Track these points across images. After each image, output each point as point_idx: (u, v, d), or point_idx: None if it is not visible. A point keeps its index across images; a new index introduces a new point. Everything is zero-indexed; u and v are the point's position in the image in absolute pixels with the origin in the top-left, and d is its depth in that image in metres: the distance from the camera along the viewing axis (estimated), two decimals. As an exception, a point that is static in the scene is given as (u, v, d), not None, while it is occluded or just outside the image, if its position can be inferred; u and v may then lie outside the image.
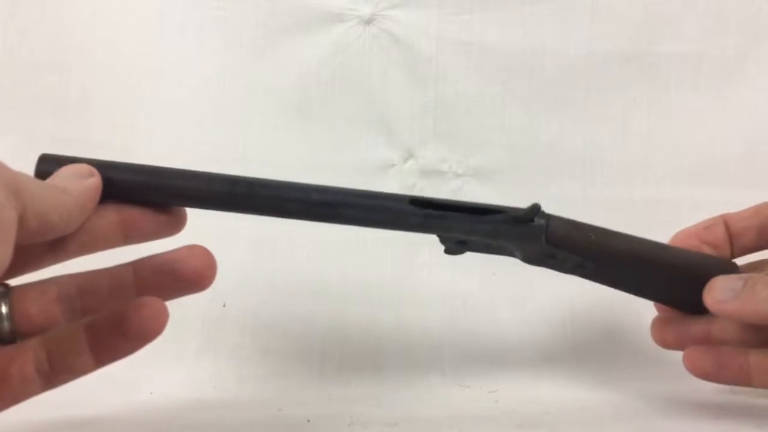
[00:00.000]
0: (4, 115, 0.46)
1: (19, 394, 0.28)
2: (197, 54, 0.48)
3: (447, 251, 0.35)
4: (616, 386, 0.43)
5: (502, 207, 0.33)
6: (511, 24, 0.48)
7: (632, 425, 0.36)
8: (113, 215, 0.29)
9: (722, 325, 0.37)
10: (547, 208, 0.52)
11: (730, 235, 0.38)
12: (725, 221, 0.38)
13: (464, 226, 0.32)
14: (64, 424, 0.34)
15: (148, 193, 0.29)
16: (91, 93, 0.47)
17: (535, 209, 0.33)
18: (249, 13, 0.48)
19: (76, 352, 0.28)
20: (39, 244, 0.28)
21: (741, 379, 0.36)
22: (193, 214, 0.31)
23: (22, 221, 0.23)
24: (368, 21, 0.48)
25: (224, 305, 0.45)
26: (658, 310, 0.40)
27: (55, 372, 0.28)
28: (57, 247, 0.28)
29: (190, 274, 0.29)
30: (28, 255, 0.28)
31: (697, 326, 0.38)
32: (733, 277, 0.35)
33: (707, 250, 0.37)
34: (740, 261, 0.38)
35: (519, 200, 0.49)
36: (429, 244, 0.46)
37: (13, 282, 0.28)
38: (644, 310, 0.40)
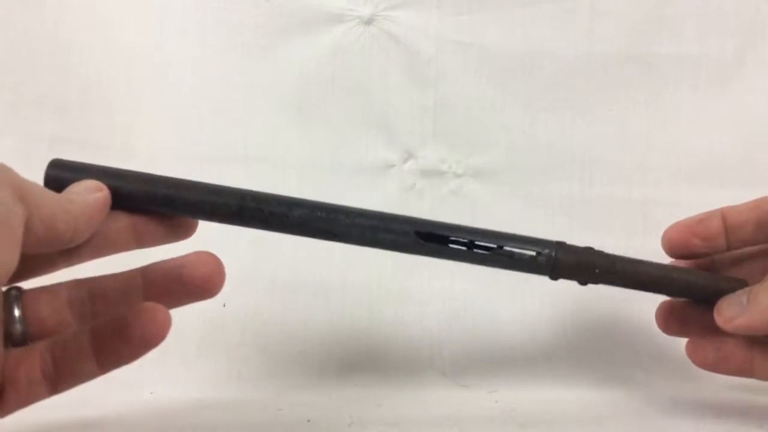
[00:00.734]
0: (4, 115, 0.46)
1: (26, 398, 0.28)
2: (197, 54, 0.48)
3: None
4: (616, 385, 0.43)
5: (510, 242, 0.33)
6: (511, 24, 0.48)
7: (632, 425, 0.36)
8: (125, 219, 0.29)
9: None
10: (547, 208, 0.52)
11: (727, 228, 0.37)
12: (723, 214, 0.38)
13: (467, 258, 0.33)
14: (64, 425, 0.34)
15: (155, 204, 0.30)
16: (91, 93, 0.47)
17: (547, 250, 0.33)
18: (249, 13, 0.48)
19: (81, 357, 0.28)
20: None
21: (743, 370, 0.36)
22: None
23: (28, 226, 0.23)
24: (368, 21, 0.48)
25: (224, 305, 0.45)
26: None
27: (60, 377, 0.28)
28: (70, 250, 0.28)
29: (198, 281, 0.29)
30: (40, 258, 0.28)
31: (702, 315, 0.37)
32: (738, 293, 0.35)
33: (698, 243, 0.37)
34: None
35: (519, 200, 0.49)
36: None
37: (24, 285, 0.29)
38: (644, 310, 0.40)
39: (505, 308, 0.47)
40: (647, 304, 0.39)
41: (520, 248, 0.33)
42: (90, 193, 0.28)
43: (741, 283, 0.36)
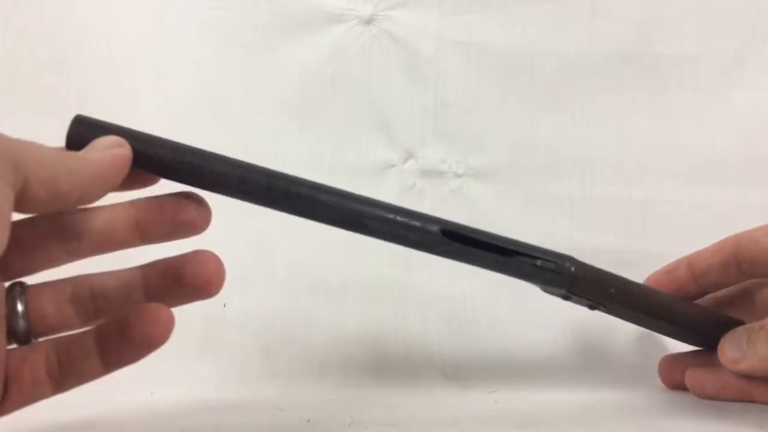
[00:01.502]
0: (4, 115, 0.46)
1: (30, 396, 0.27)
2: (197, 54, 0.48)
3: None
4: (616, 386, 0.43)
5: (533, 251, 0.33)
6: (511, 24, 0.48)
7: (633, 425, 0.36)
8: (129, 214, 0.28)
9: None
10: (547, 208, 0.52)
11: (694, 275, 0.39)
12: (689, 262, 0.39)
13: (491, 263, 0.32)
14: (64, 425, 0.34)
15: (181, 173, 0.29)
16: (91, 93, 0.47)
17: (569, 263, 0.33)
18: (249, 13, 0.48)
19: (86, 356, 0.28)
20: (53, 241, 0.27)
21: (743, 396, 0.37)
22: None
23: (26, 193, 0.23)
24: (368, 21, 0.48)
25: (224, 305, 0.45)
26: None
27: (65, 376, 0.28)
28: (72, 245, 0.28)
29: (196, 281, 0.29)
30: (42, 253, 0.28)
31: (700, 358, 0.40)
32: (738, 332, 0.36)
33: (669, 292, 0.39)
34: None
35: (519, 200, 0.49)
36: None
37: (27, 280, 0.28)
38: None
39: (505, 308, 0.47)
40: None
41: (543, 257, 0.33)
42: (108, 150, 0.27)
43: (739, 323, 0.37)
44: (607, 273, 0.35)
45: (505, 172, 0.49)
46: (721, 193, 0.48)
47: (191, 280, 0.29)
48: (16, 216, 0.24)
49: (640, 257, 0.45)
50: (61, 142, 0.29)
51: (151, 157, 0.28)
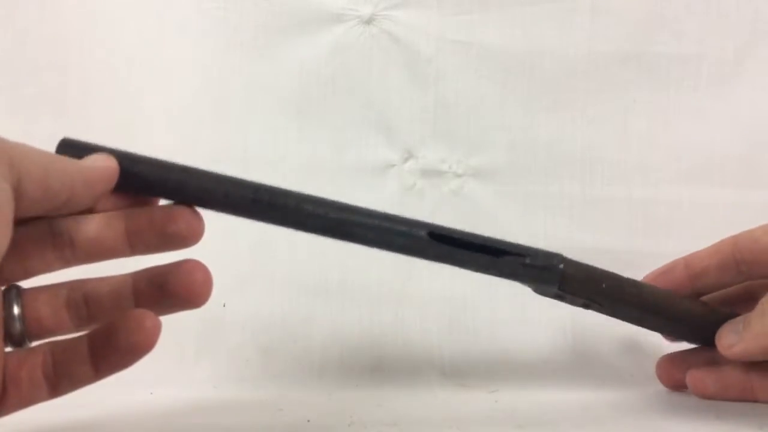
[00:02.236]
0: (4, 115, 0.46)
1: (27, 399, 0.28)
2: (197, 54, 0.48)
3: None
4: (616, 386, 0.43)
5: (522, 250, 0.33)
6: (511, 24, 0.48)
7: (633, 425, 0.36)
8: (120, 223, 0.29)
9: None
10: (548, 208, 0.52)
11: (691, 277, 0.38)
12: (686, 262, 0.39)
13: (480, 264, 0.32)
14: (64, 425, 0.34)
15: (167, 190, 0.29)
16: (91, 93, 0.47)
17: (557, 260, 0.33)
18: (249, 13, 0.48)
19: (78, 362, 0.28)
20: (46, 246, 0.28)
21: (746, 396, 0.37)
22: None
23: (20, 192, 0.23)
24: (368, 21, 0.48)
25: (224, 305, 0.45)
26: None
27: (60, 380, 0.28)
28: (65, 251, 0.28)
29: (181, 290, 0.28)
30: (36, 258, 0.28)
31: (700, 356, 0.39)
32: (735, 320, 0.36)
33: None
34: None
35: (519, 200, 0.49)
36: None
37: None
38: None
39: (505, 308, 0.47)
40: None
41: (531, 255, 0.33)
42: (96, 161, 0.28)
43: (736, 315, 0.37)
44: (598, 269, 0.35)
45: (505, 172, 0.49)
46: (721, 193, 0.48)
47: (176, 289, 0.28)
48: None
49: (640, 257, 0.45)
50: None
51: (136, 174, 0.29)
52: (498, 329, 0.47)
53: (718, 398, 0.38)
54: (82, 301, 0.29)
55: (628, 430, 0.36)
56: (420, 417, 0.37)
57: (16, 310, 0.28)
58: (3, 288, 0.28)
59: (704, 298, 0.40)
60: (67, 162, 0.26)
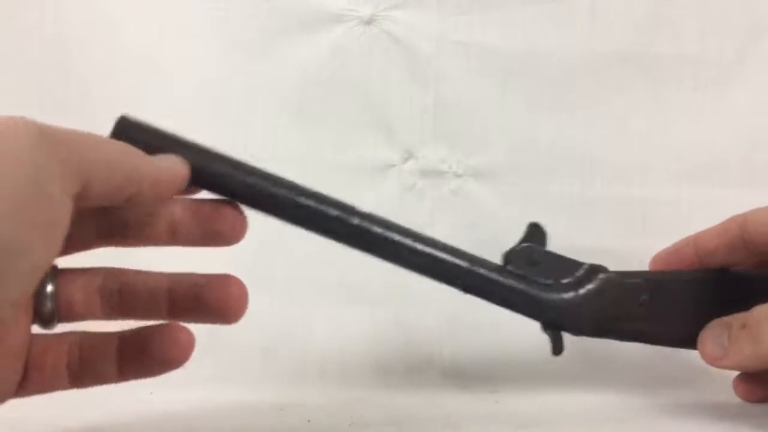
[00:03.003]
0: (4, 115, 0.46)
1: (48, 385, 0.27)
2: (197, 54, 0.48)
3: None
4: (617, 387, 0.43)
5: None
6: (511, 24, 0.48)
7: (633, 426, 0.36)
8: (166, 212, 0.28)
9: None
10: (547, 208, 0.52)
11: (699, 255, 0.38)
12: (695, 241, 0.38)
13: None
14: (64, 426, 0.34)
15: (235, 192, 0.29)
16: (91, 93, 0.47)
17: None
18: (249, 13, 0.48)
19: (105, 359, 0.28)
20: (89, 226, 0.27)
21: None
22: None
23: (83, 196, 0.22)
24: (368, 21, 0.48)
25: (224, 305, 0.45)
26: None
27: (83, 373, 0.28)
28: (106, 231, 0.28)
29: (215, 304, 0.28)
30: (76, 236, 0.26)
31: None
32: (716, 328, 0.35)
33: None
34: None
35: (519, 200, 0.49)
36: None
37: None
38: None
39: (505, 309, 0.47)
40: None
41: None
42: (171, 162, 0.27)
43: None
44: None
45: (505, 172, 0.49)
46: (721, 193, 0.48)
47: (211, 302, 0.28)
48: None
49: (640, 257, 0.45)
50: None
51: (205, 171, 0.28)
52: (498, 329, 0.46)
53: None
54: (117, 292, 0.28)
55: (628, 431, 0.36)
56: (420, 417, 0.37)
57: (49, 288, 0.27)
58: None
59: None
60: (139, 159, 0.25)
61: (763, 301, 0.34)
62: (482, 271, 0.32)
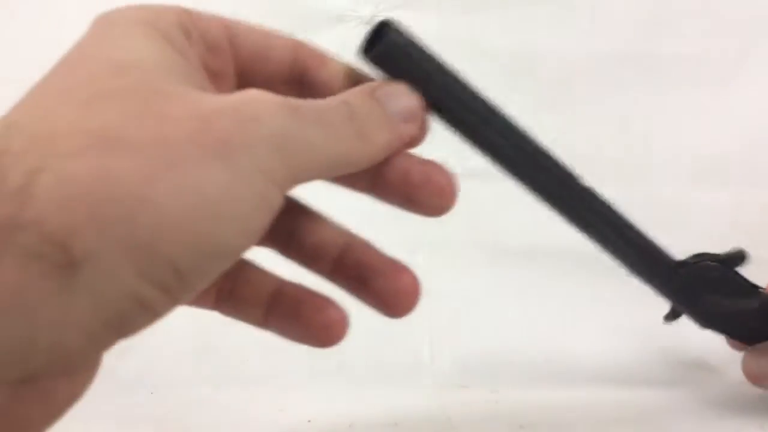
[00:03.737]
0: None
1: (197, 299, 0.25)
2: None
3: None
4: (617, 387, 0.43)
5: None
6: (512, 24, 0.48)
7: (634, 425, 0.36)
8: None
9: None
10: (547, 208, 0.52)
11: None
12: None
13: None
14: (64, 426, 0.34)
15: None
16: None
17: None
18: (249, 14, 0.48)
19: (254, 300, 0.26)
20: None
21: None
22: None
23: (291, 181, 0.20)
24: (369, 22, 0.48)
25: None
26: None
27: (232, 301, 0.26)
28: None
29: (382, 297, 0.26)
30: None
31: None
32: (758, 349, 0.35)
33: None
34: None
35: (519, 200, 0.49)
36: (429, 243, 0.47)
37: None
38: (644, 311, 0.40)
39: (506, 308, 0.47)
40: (648, 305, 0.39)
41: None
42: (398, 126, 0.23)
43: None
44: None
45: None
46: (723, 192, 0.48)
47: (379, 294, 0.26)
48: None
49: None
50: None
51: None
52: (499, 329, 0.46)
53: None
54: (341, 259, 0.26)
55: (629, 430, 0.36)
56: (420, 417, 0.37)
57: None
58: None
59: None
60: (360, 143, 0.21)
61: None
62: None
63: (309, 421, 0.35)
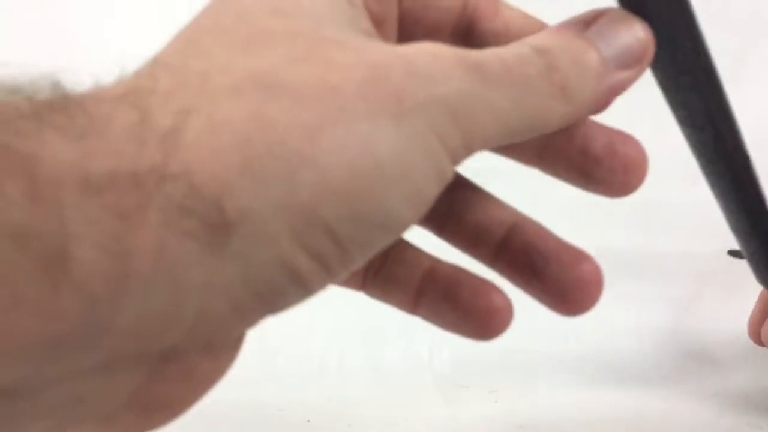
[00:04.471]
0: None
1: (345, 281, 0.24)
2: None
3: None
4: (616, 387, 0.43)
5: None
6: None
7: (632, 425, 0.36)
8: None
9: None
10: (548, 209, 0.52)
11: None
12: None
13: None
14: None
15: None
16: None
17: None
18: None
19: (403, 282, 0.23)
20: None
21: None
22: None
23: (464, 150, 0.17)
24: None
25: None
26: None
27: (377, 283, 0.24)
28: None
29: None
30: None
31: None
32: None
33: None
34: None
35: (519, 200, 0.49)
36: (428, 243, 0.47)
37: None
38: (644, 311, 0.40)
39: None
40: (648, 305, 0.39)
41: None
42: (617, 72, 0.19)
43: None
44: None
45: (505, 172, 0.48)
46: (722, 192, 0.48)
47: (553, 284, 0.22)
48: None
49: (640, 257, 0.45)
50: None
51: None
52: (498, 329, 0.46)
53: None
54: (508, 242, 0.23)
55: (629, 430, 0.36)
56: (420, 417, 0.37)
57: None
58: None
59: None
60: (557, 102, 0.17)
61: None
62: None
63: (308, 421, 0.35)
